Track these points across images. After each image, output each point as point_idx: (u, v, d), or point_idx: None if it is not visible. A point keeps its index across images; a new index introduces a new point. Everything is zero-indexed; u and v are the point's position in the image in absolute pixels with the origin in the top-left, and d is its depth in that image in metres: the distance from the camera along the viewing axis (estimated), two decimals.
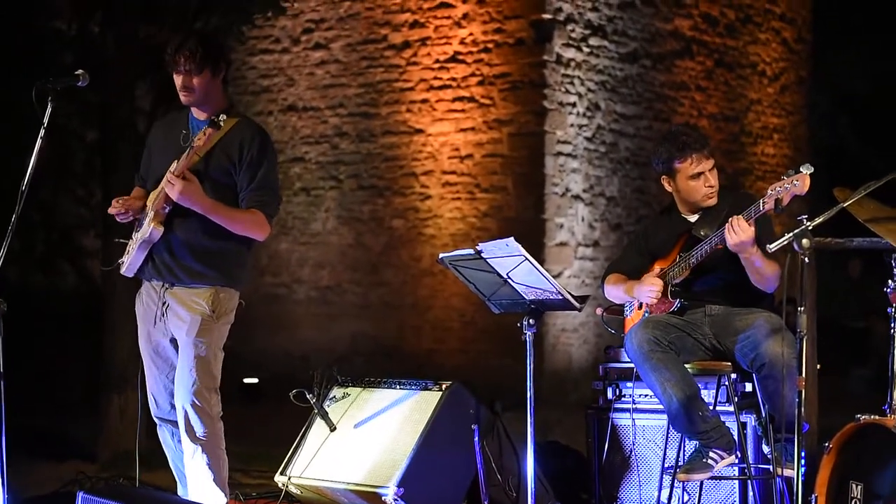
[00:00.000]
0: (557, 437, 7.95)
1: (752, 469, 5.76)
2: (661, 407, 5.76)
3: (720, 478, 5.83)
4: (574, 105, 13.05)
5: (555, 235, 12.90)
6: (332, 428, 6.20)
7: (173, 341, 5.64)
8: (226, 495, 5.65)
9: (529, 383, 5.55)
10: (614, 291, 6.13)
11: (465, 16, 13.11)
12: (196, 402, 5.51)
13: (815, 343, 6.72)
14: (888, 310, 5.26)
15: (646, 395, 6.06)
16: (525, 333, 5.59)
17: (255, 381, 13.21)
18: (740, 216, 5.48)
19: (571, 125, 13.03)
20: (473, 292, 5.81)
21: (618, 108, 13.59)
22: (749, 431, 5.85)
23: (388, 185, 13.67)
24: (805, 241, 4.74)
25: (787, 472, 5.50)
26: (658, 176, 6.02)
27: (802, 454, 4.79)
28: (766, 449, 5.77)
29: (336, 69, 14.04)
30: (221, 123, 5.36)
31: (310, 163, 14.30)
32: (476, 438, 5.87)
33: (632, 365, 5.85)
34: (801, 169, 5.29)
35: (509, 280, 5.50)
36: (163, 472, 6.27)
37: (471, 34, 13.09)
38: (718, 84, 14.96)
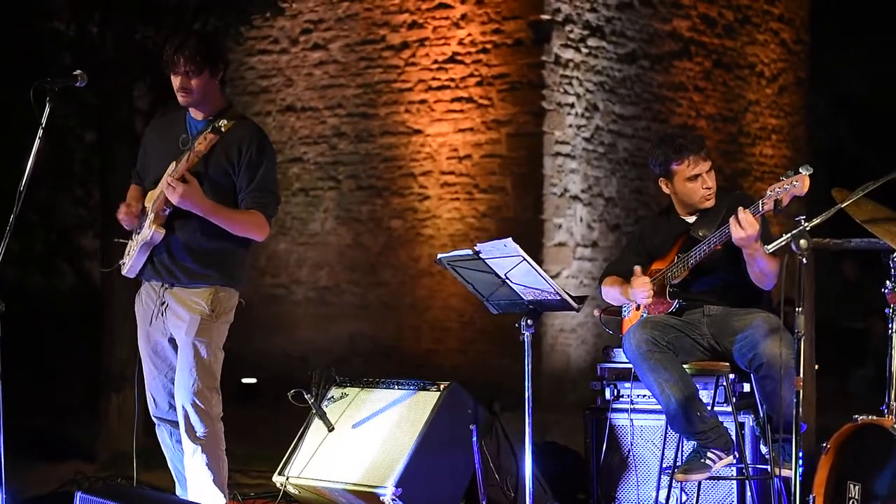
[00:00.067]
0: (555, 437, 7.95)
1: (749, 469, 5.76)
2: (659, 407, 5.77)
3: (718, 478, 5.84)
4: (572, 106, 13.06)
5: (553, 236, 12.90)
6: (331, 428, 6.20)
7: (172, 341, 5.65)
8: (225, 496, 5.65)
9: (527, 383, 5.55)
10: (611, 293, 6.14)
11: (463, 16, 13.12)
12: (196, 402, 5.51)
13: (813, 343, 6.72)
14: (886, 310, 5.26)
15: (644, 396, 6.06)
16: (523, 334, 5.59)
17: (253, 381, 13.22)
18: (747, 210, 5.48)
19: (570, 126, 13.04)
20: (472, 293, 5.82)
21: (616, 109, 13.59)
22: (747, 432, 5.86)
23: (386, 185, 13.67)
24: (803, 242, 4.74)
25: (785, 473, 5.50)
26: (656, 178, 6.03)
27: (800, 454, 4.80)
28: (763, 449, 5.77)
29: (334, 70, 14.04)
30: (223, 129, 5.35)
31: (308, 163, 14.30)
32: (474, 438, 5.87)
33: (630, 365, 5.86)
34: (800, 170, 5.29)
35: (507, 280, 5.51)
36: (161, 471, 6.28)
37: (469, 35, 13.09)
38: (717, 85, 14.96)
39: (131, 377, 9.00)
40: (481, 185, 13.06)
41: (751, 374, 5.68)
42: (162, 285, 5.61)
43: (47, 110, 5.16)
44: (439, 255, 5.72)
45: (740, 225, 5.47)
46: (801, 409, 4.79)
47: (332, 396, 6.38)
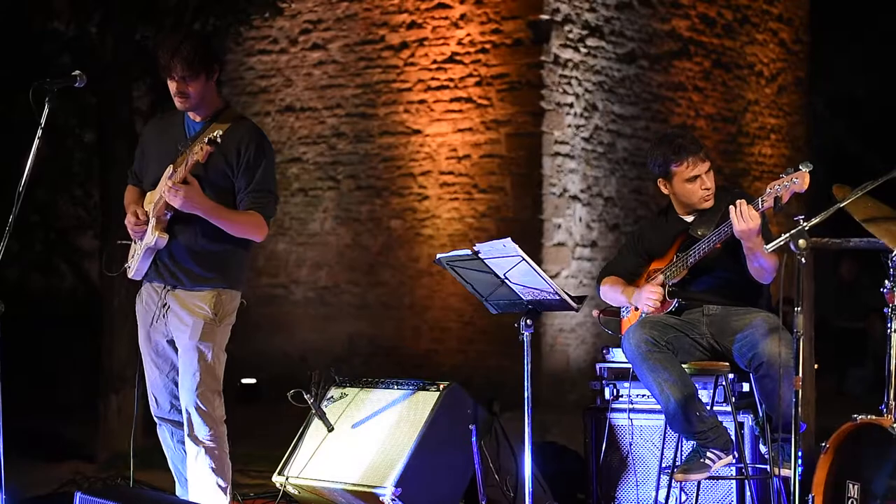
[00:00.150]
0: (555, 437, 7.96)
1: (749, 469, 5.76)
2: (658, 407, 5.77)
3: (717, 478, 5.84)
4: (571, 105, 13.06)
5: (552, 236, 12.90)
6: (330, 428, 6.21)
7: (172, 342, 5.65)
8: (227, 498, 5.65)
9: (527, 383, 5.56)
10: (611, 294, 6.13)
11: (462, 16, 13.12)
12: (200, 405, 5.51)
13: (812, 343, 6.73)
14: (885, 310, 5.26)
15: (643, 395, 6.07)
16: (523, 334, 5.60)
17: (252, 381, 13.22)
18: (749, 204, 5.48)
19: (569, 126, 13.04)
20: (471, 293, 5.82)
21: (615, 109, 13.60)
22: (746, 431, 5.86)
23: (385, 185, 13.67)
24: (802, 242, 4.75)
25: (785, 472, 5.51)
26: (654, 178, 6.03)
27: (799, 454, 4.80)
28: (763, 449, 5.78)
29: (334, 70, 14.04)
30: (219, 141, 5.33)
31: (307, 163, 14.30)
32: (474, 438, 5.87)
33: (629, 365, 5.86)
34: (800, 166, 5.29)
35: (507, 280, 5.51)
36: (161, 471, 6.28)
37: (468, 35, 13.10)
38: (716, 85, 14.96)
39: (131, 377, 9.04)
40: (480, 185, 13.06)
41: (750, 374, 5.69)
42: (164, 287, 5.61)
43: (47, 110, 5.15)
44: (438, 255, 5.72)
45: (742, 217, 5.47)
46: (800, 409, 4.80)
47: (332, 396, 6.39)
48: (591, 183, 13.32)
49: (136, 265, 5.65)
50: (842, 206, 5.10)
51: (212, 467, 5.57)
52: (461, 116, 13.14)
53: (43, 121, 5.13)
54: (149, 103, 9.74)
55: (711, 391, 5.86)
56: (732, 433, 5.73)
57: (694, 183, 5.85)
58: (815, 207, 5.28)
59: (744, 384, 5.86)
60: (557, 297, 5.51)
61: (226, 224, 5.48)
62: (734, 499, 5.91)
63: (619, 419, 6.19)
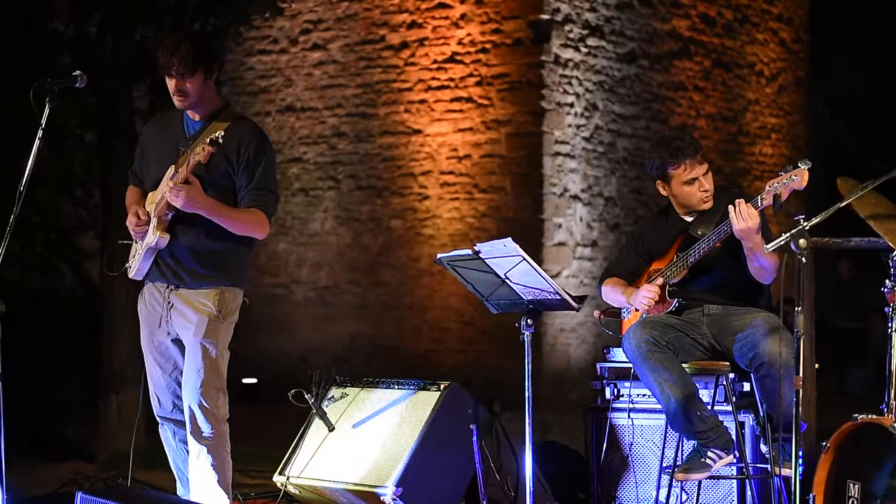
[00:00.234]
0: (556, 436, 7.96)
1: (750, 468, 5.76)
2: (659, 406, 5.77)
3: (718, 477, 5.84)
4: (572, 105, 13.06)
5: (553, 235, 12.91)
6: (331, 428, 6.21)
7: (176, 341, 5.65)
8: (229, 497, 5.65)
9: (528, 383, 5.56)
10: (612, 295, 6.14)
11: (462, 16, 13.12)
12: (203, 402, 5.52)
13: (812, 342, 6.73)
14: (886, 309, 5.26)
15: (644, 395, 6.07)
16: (523, 333, 5.59)
17: (253, 381, 13.22)
18: (748, 203, 5.48)
19: (569, 125, 13.04)
20: (472, 292, 5.82)
21: (616, 109, 13.60)
22: (747, 431, 5.86)
23: (386, 185, 13.67)
24: (802, 242, 4.74)
25: (785, 472, 5.51)
26: (653, 180, 6.04)
27: (800, 453, 4.80)
28: (764, 448, 5.78)
29: (334, 70, 14.05)
30: (220, 141, 5.34)
31: (308, 163, 14.30)
32: (474, 438, 5.87)
33: (630, 365, 5.86)
34: (798, 164, 5.29)
35: (507, 280, 5.51)
36: (162, 471, 6.28)
37: (469, 35, 13.10)
38: (716, 84, 14.96)
39: (131, 377, 9.07)
40: (481, 184, 13.06)
41: (751, 374, 5.69)
42: (167, 287, 5.61)
43: (47, 111, 5.15)
44: (439, 255, 5.72)
45: (741, 216, 5.47)
46: (800, 409, 4.80)
47: (333, 396, 6.39)
48: (592, 182, 13.32)
49: (136, 265, 5.65)
50: (842, 204, 5.10)
51: (213, 465, 5.58)
52: (462, 116, 13.14)
53: (43, 121, 5.13)
54: (149, 103, 9.73)
55: (712, 391, 5.86)
56: (733, 433, 5.73)
57: (692, 185, 5.85)
58: (815, 207, 5.28)
59: (744, 384, 5.86)
60: (558, 297, 5.51)
61: (228, 222, 5.48)
62: (735, 498, 5.91)
63: (620, 419, 6.19)
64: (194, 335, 5.53)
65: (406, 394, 6.14)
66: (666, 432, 5.88)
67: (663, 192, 5.98)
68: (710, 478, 5.77)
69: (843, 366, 14.00)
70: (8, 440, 4.97)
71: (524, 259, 5.36)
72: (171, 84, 5.52)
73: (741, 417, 5.80)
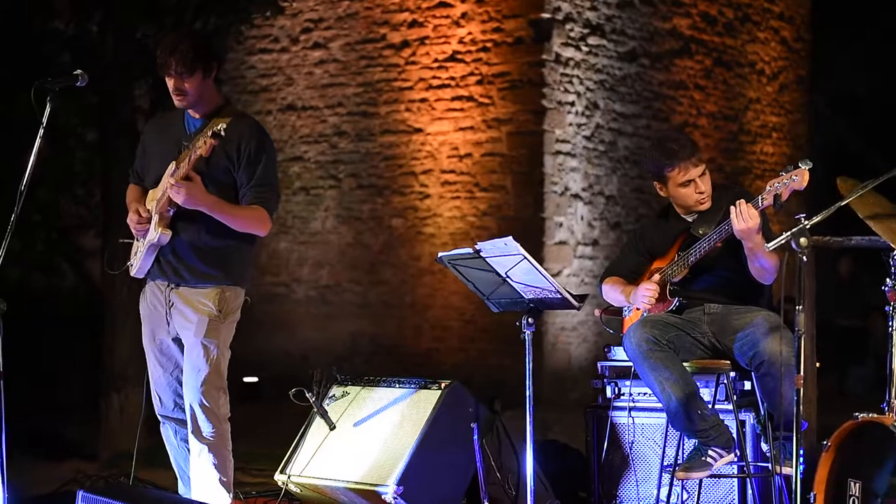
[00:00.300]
0: (557, 435, 7.97)
1: (750, 467, 5.77)
2: (660, 405, 5.78)
3: (719, 476, 5.85)
4: (573, 104, 13.06)
5: (554, 234, 12.90)
6: (332, 427, 6.21)
7: (177, 340, 5.65)
8: (230, 496, 5.66)
9: (528, 382, 5.56)
10: (612, 294, 6.14)
11: (463, 15, 13.12)
12: (204, 401, 5.52)
13: (813, 341, 6.73)
14: (886, 308, 5.27)
15: (645, 394, 6.07)
16: (524, 332, 5.60)
17: (254, 380, 13.22)
18: (749, 203, 5.48)
19: (570, 124, 13.04)
20: (473, 291, 5.82)
21: (616, 107, 13.59)
22: (748, 429, 5.86)
23: (387, 184, 13.67)
24: (803, 240, 4.75)
25: (786, 471, 5.51)
26: (653, 179, 6.04)
27: (801, 452, 4.80)
28: (764, 447, 5.78)
29: (335, 68, 14.04)
30: (223, 134, 5.35)
31: (309, 162, 14.30)
32: (475, 437, 5.88)
33: (631, 363, 5.86)
34: (799, 164, 5.30)
35: (508, 279, 5.51)
36: (163, 470, 6.28)
37: (469, 33, 13.09)
38: (717, 83, 14.96)
39: (132, 376, 9.08)
40: (482, 183, 13.06)
41: (751, 373, 5.69)
42: (168, 285, 5.61)
43: (48, 110, 5.16)
44: (440, 254, 5.72)
45: (742, 217, 5.47)
46: (801, 407, 4.80)
47: (334, 395, 6.39)
48: (593, 181, 13.32)
49: (138, 263, 5.65)
50: (843, 203, 5.10)
51: (214, 464, 5.58)
52: (462, 115, 13.14)
53: (45, 120, 5.14)
54: (150, 102, 9.73)
55: (713, 390, 5.86)
56: (734, 431, 5.73)
57: (687, 187, 5.85)
58: (815, 205, 5.27)
59: (745, 382, 5.86)
60: (559, 296, 5.51)
61: (229, 219, 5.48)
62: (736, 497, 5.92)
63: (621, 417, 6.19)
64: (195, 335, 5.53)
65: (407, 392, 6.15)
66: (667, 431, 5.88)
67: (661, 193, 5.99)
68: (711, 476, 5.78)
69: (843, 364, 14.00)
70: (9, 439, 4.97)
71: (525, 258, 5.37)
72: (170, 83, 5.53)
73: (742, 416, 5.80)
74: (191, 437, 5.60)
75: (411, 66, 13.43)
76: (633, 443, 6.18)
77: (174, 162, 5.52)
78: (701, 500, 5.90)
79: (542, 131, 12.81)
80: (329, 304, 14.16)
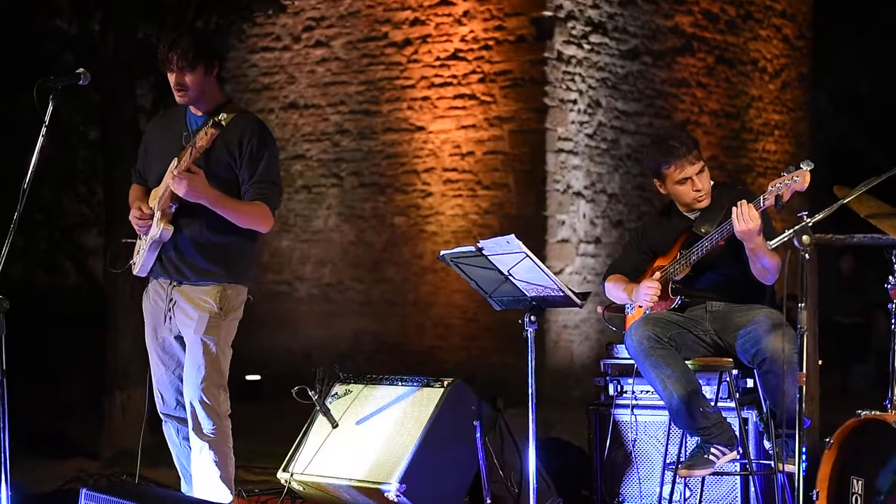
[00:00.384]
0: (559, 433, 7.98)
1: (753, 465, 5.77)
2: (662, 403, 5.77)
3: (722, 473, 5.84)
4: (575, 102, 13.06)
5: (556, 232, 12.91)
6: (335, 425, 6.21)
7: (179, 338, 5.66)
8: (231, 492, 5.66)
9: (531, 380, 5.56)
10: (614, 292, 6.14)
11: (465, 13, 13.12)
12: (204, 399, 5.53)
13: (816, 339, 6.72)
14: (889, 305, 5.27)
15: (647, 392, 6.06)
16: (526, 330, 5.59)
17: (257, 378, 13.23)
18: (751, 204, 5.48)
19: (572, 122, 13.04)
20: (475, 289, 5.82)
21: (619, 105, 13.60)
22: (750, 427, 5.86)
23: (389, 182, 13.68)
24: (806, 238, 4.75)
25: (789, 468, 5.51)
26: (651, 177, 6.05)
27: (804, 450, 4.80)
28: (767, 444, 5.78)
29: (337, 67, 14.05)
30: (223, 123, 5.36)
31: (311, 160, 14.31)
32: (478, 435, 5.88)
33: (633, 361, 5.86)
34: (801, 165, 5.30)
35: (511, 277, 5.51)
36: (166, 468, 6.29)
37: (471, 31, 13.10)
38: (719, 81, 14.96)
39: (135, 374, 9.08)
40: (484, 181, 13.07)
41: (754, 370, 5.69)
42: (170, 283, 5.62)
43: (50, 108, 5.16)
44: (442, 252, 5.72)
45: (743, 218, 5.47)
46: (804, 405, 4.80)
47: (336, 393, 6.39)
48: (595, 179, 13.32)
49: (141, 261, 5.66)
50: (845, 201, 5.10)
51: (215, 461, 5.59)
52: (465, 113, 13.14)
53: (47, 119, 5.14)
54: (151, 101, 9.74)
55: (715, 387, 5.86)
56: (736, 429, 5.73)
57: (685, 185, 5.85)
58: (818, 203, 5.28)
59: (748, 380, 5.86)
60: (561, 294, 5.51)
61: (231, 214, 5.48)
62: (738, 494, 5.91)
63: (623, 415, 6.19)
64: (195, 332, 5.54)
65: (410, 390, 6.15)
66: (669, 429, 5.88)
67: (661, 191, 5.99)
68: (714, 474, 5.77)
69: (846, 362, 14.00)
70: (12, 438, 4.98)
71: (527, 256, 5.36)
72: (171, 78, 5.53)
73: (744, 414, 5.80)
74: (191, 435, 5.61)
75: (413, 64, 13.44)
76: (635, 440, 6.18)
77: (176, 158, 5.52)
78: (703, 497, 5.89)
79: (544, 129, 12.81)
80: (331, 302, 14.17)
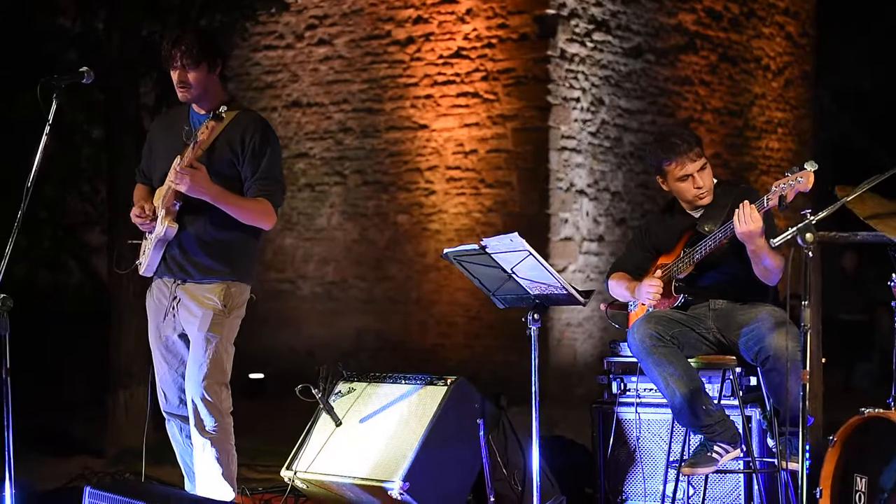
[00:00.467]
0: (562, 431, 7.98)
1: (756, 463, 5.77)
2: (665, 401, 5.77)
3: (725, 471, 5.84)
4: (578, 100, 13.06)
5: (559, 230, 12.91)
6: (338, 423, 6.21)
7: (182, 336, 5.67)
8: (234, 490, 5.67)
9: (534, 378, 5.56)
10: (617, 289, 6.15)
11: (468, 11, 13.12)
12: (206, 396, 5.53)
13: (819, 336, 6.73)
14: (892, 303, 5.27)
15: (650, 389, 6.07)
16: (530, 328, 5.59)
17: (260, 376, 13.24)
18: (753, 205, 5.48)
19: (575, 120, 13.04)
20: (478, 287, 5.82)
21: (622, 103, 13.59)
22: (754, 425, 5.86)
23: (392, 180, 13.68)
24: (809, 236, 4.75)
25: (792, 466, 5.50)
26: (654, 175, 6.06)
27: (807, 447, 4.80)
28: (770, 442, 5.78)
29: (340, 65, 14.05)
30: (223, 115, 5.37)
31: (314, 158, 14.31)
32: (481, 433, 5.88)
33: (636, 359, 5.86)
34: (805, 165, 5.29)
35: (514, 275, 5.51)
36: (170, 466, 6.29)
37: (474, 30, 13.10)
38: (722, 79, 14.96)
39: (139, 373, 9.08)
40: (487, 179, 13.07)
41: (757, 368, 5.69)
42: (174, 281, 5.63)
43: (54, 107, 5.17)
44: (445, 250, 5.72)
45: (744, 220, 5.47)
46: (807, 403, 4.80)
47: (340, 391, 6.39)
48: (598, 177, 13.32)
49: (147, 261, 5.66)
50: (848, 199, 5.10)
51: (217, 459, 5.59)
52: (468, 111, 13.14)
53: (51, 117, 5.14)
54: (155, 99, 9.74)
55: (719, 385, 5.86)
56: (740, 427, 5.73)
57: (686, 182, 5.85)
58: (821, 201, 5.27)
59: (751, 378, 5.86)
60: (564, 292, 5.51)
61: (234, 210, 5.49)
62: (742, 492, 5.92)
63: (627, 413, 6.19)
64: (198, 329, 5.55)
65: (413, 389, 6.15)
66: (673, 427, 5.88)
67: (664, 188, 6.00)
68: (717, 472, 5.77)
69: (849, 360, 13.99)
70: (16, 436, 4.98)
71: (530, 254, 5.37)
72: (174, 76, 5.55)
73: (748, 412, 5.80)
74: (193, 432, 5.61)
75: (416, 62, 13.44)
76: (638, 438, 6.18)
77: (179, 156, 5.53)
78: (707, 495, 5.90)
79: (547, 127, 12.81)
80: (334, 300, 14.18)
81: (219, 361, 5.56)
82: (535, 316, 5.57)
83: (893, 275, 5.19)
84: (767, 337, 5.55)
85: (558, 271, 5.82)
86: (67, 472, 7.75)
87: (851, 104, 18.91)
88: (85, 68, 5.31)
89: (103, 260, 11.76)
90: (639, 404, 6.15)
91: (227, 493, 5.62)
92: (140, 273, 5.77)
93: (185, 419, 5.71)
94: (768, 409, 5.75)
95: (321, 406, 6.27)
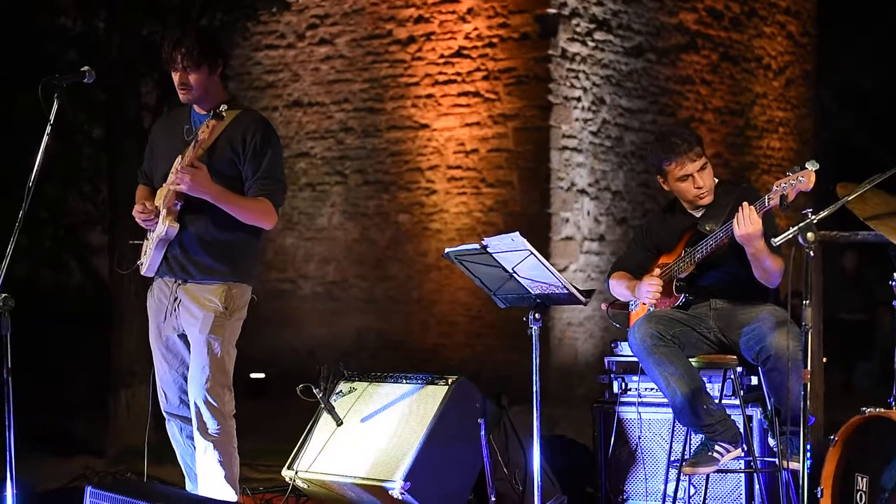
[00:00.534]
0: (563, 430, 7.97)
1: (757, 462, 5.77)
2: (666, 400, 5.77)
3: (726, 471, 5.84)
4: (579, 99, 13.06)
5: (560, 230, 12.91)
6: (339, 422, 6.21)
7: (183, 336, 5.66)
8: (236, 492, 5.66)
9: (535, 377, 5.56)
10: (618, 289, 6.14)
11: (469, 11, 13.12)
12: (209, 399, 5.53)
13: (820, 336, 6.72)
14: (893, 303, 5.27)
15: (651, 389, 6.07)
16: (531, 328, 5.59)
17: (261, 376, 13.24)
18: (753, 205, 5.48)
19: (576, 119, 13.04)
20: (479, 287, 5.82)
21: (623, 103, 13.60)
22: (755, 424, 5.86)
23: (393, 180, 13.69)
24: (810, 235, 4.75)
25: (793, 465, 5.50)
26: (655, 174, 6.06)
27: (808, 447, 4.80)
28: (771, 442, 5.78)
29: (341, 64, 14.06)
30: (224, 114, 5.37)
31: (315, 158, 14.31)
32: (482, 432, 5.88)
33: (637, 359, 5.86)
34: (806, 165, 5.29)
35: (515, 274, 5.51)
36: (171, 466, 6.29)
37: (475, 29, 13.10)
38: (724, 78, 14.96)
39: (140, 373, 9.09)
40: (488, 179, 13.07)
41: (758, 367, 5.69)
42: (175, 281, 5.62)
43: (55, 107, 5.16)
44: (447, 250, 5.72)
45: (743, 222, 5.47)
46: (808, 402, 4.80)
47: (341, 391, 6.39)
48: (599, 177, 13.33)
49: (148, 261, 5.66)
50: (849, 199, 5.10)
51: (220, 461, 5.59)
52: (469, 111, 13.14)
53: (52, 117, 5.14)
54: (156, 99, 9.74)
55: (720, 384, 5.86)
56: (741, 426, 5.73)
57: (686, 181, 5.84)
58: (822, 200, 5.27)
59: (752, 377, 5.85)
60: (565, 291, 5.51)
61: (235, 209, 5.48)
62: (743, 492, 5.91)
63: (628, 413, 6.19)
64: (200, 331, 5.54)
65: (414, 388, 6.15)
66: (674, 426, 5.88)
67: (664, 187, 5.99)
68: (718, 471, 5.77)
69: (850, 359, 13.99)
70: (17, 436, 4.98)
71: (532, 253, 5.36)
72: (175, 77, 5.54)
73: (749, 411, 5.80)
74: (196, 434, 5.61)
75: (417, 61, 13.44)
76: (640, 438, 6.18)
77: (180, 156, 5.53)
78: (708, 495, 5.90)
79: (548, 127, 12.82)
80: (335, 299, 14.18)
81: (221, 364, 5.56)
82: (537, 315, 5.57)
83: (894, 274, 5.19)
84: (768, 336, 5.55)
85: (559, 271, 5.83)
86: (69, 471, 7.76)
87: (852, 103, 18.90)
88: (87, 68, 5.31)
89: (104, 260, 11.76)
90: (640, 404, 6.15)
91: (230, 494, 5.62)
92: (141, 273, 5.77)
93: (186, 419, 5.71)
94: (769, 408, 5.75)
95: (322, 406, 6.27)
